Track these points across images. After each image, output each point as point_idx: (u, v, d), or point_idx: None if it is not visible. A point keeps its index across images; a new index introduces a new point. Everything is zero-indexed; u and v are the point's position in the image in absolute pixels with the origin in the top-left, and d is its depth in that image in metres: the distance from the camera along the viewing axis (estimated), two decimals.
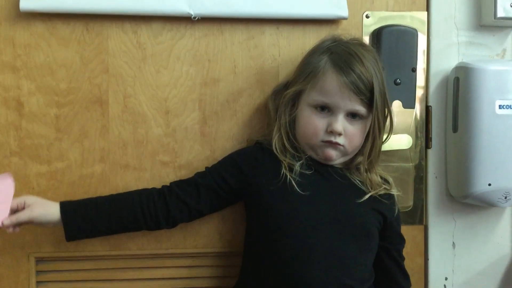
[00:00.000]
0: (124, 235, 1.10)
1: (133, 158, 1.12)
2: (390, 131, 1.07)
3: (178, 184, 1.06)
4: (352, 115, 1.00)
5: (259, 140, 1.09)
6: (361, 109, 0.99)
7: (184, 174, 1.12)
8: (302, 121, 1.03)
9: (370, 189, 1.03)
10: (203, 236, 1.14)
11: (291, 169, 1.01)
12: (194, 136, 1.13)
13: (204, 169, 1.08)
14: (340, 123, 0.99)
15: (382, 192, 1.04)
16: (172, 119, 1.13)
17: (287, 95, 1.04)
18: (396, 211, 1.06)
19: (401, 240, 1.09)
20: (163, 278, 1.14)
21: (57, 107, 1.10)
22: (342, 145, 1.00)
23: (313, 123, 1.00)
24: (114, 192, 1.08)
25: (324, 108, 1.00)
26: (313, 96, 1.01)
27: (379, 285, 1.06)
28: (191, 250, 1.14)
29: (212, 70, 1.13)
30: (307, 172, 1.02)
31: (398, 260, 1.08)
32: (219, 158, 1.12)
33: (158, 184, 1.10)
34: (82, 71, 1.10)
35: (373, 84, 0.98)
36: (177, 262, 1.14)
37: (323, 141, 1.00)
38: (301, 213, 0.98)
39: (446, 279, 1.23)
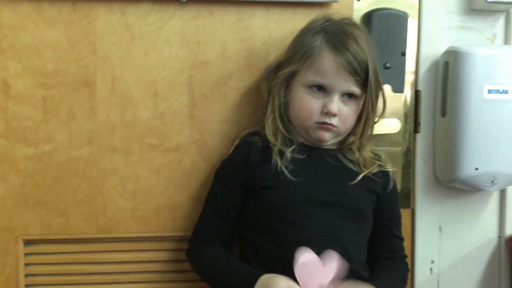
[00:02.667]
0: (112, 218, 1.11)
1: (121, 140, 1.11)
2: (383, 112, 1.06)
3: (205, 232, 1.06)
4: (348, 95, 1.00)
5: (244, 135, 1.07)
6: (356, 89, 0.99)
7: (173, 157, 1.12)
8: (296, 102, 1.02)
9: (363, 168, 1.03)
10: (192, 219, 1.13)
11: (281, 156, 1.00)
12: (183, 119, 1.13)
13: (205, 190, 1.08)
14: (336, 104, 0.99)
15: (375, 170, 1.03)
16: (161, 102, 1.12)
17: (281, 76, 1.02)
18: (391, 186, 1.06)
19: (398, 216, 1.09)
20: (151, 261, 1.14)
21: (44, 88, 1.08)
22: (336, 126, 1.00)
23: (308, 104, 1.00)
24: (101, 175, 1.10)
25: (320, 89, 1.00)
26: (308, 76, 1.00)
27: (379, 259, 1.06)
28: (179, 233, 1.14)
29: (201, 53, 1.12)
30: (299, 156, 1.01)
31: (394, 232, 1.07)
32: (208, 142, 1.12)
33: (146, 167, 1.11)
34: (69, 52, 1.08)
35: (368, 64, 0.98)
36: (166, 245, 1.14)
37: (317, 123, 1.00)
38: (296, 200, 0.98)
39: (432, 262, 1.24)
